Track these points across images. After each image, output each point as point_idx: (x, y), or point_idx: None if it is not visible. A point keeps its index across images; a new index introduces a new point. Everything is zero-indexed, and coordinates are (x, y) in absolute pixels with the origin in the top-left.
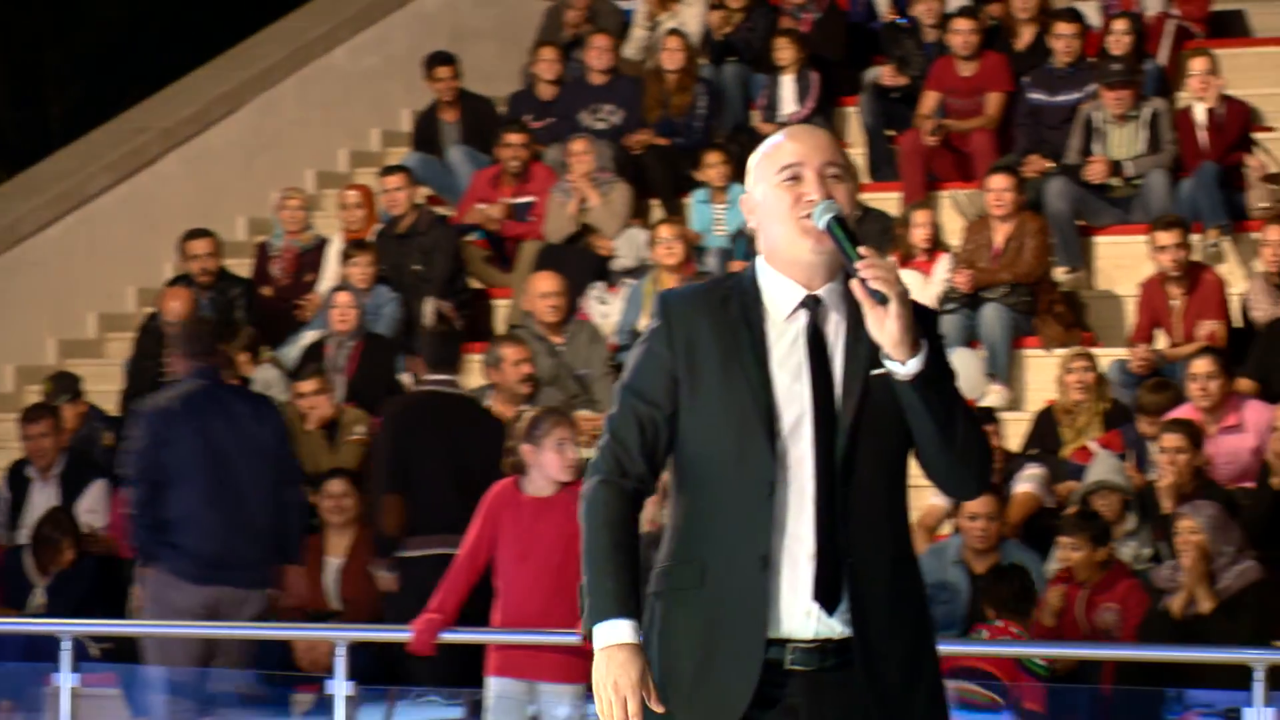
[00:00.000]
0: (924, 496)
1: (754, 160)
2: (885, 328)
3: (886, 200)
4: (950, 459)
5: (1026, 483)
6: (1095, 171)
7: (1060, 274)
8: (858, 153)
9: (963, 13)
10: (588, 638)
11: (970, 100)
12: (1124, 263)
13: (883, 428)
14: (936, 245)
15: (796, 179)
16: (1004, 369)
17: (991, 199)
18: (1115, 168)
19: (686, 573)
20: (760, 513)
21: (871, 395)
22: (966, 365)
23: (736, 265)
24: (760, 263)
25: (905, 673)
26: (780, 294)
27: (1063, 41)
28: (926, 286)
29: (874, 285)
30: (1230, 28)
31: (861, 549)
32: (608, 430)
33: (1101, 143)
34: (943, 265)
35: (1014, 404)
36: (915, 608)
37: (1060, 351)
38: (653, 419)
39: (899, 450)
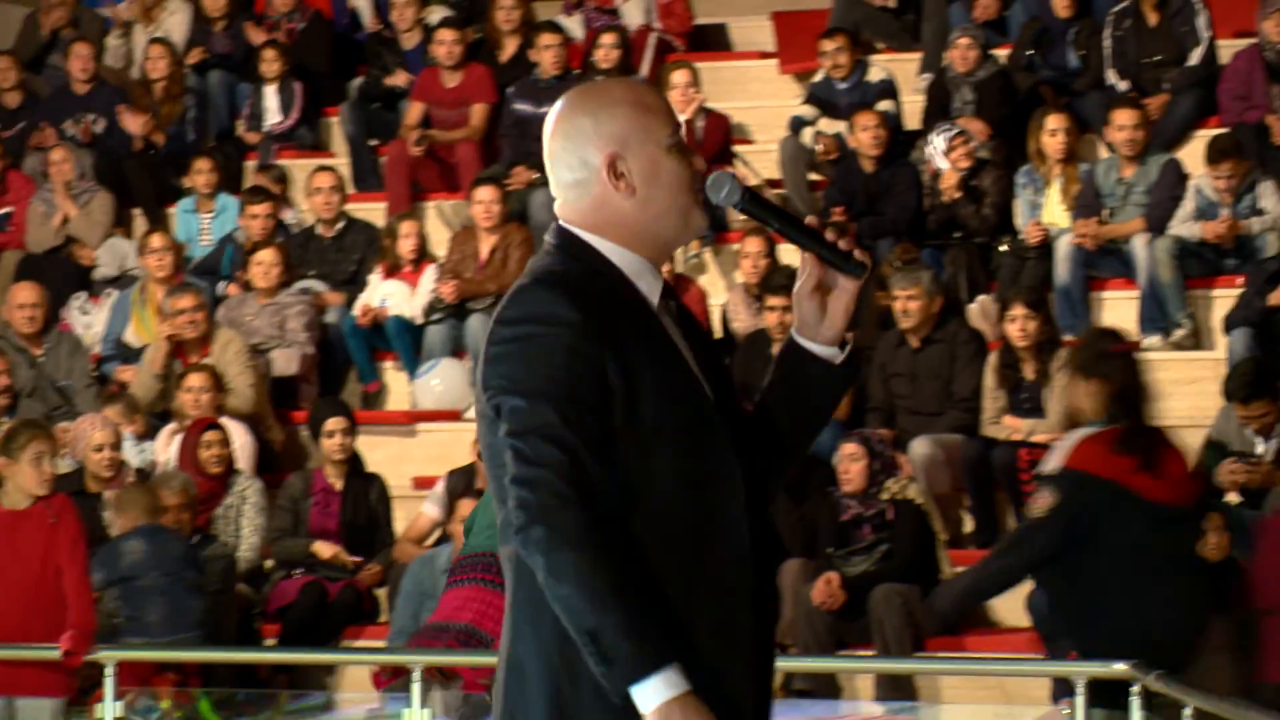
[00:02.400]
0: (413, 506)
1: (618, 113)
2: (841, 306)
3: (372, 210)
4: (807, 449)
5: None
6: None
7: None
8: (341, 163)
9: (446, 23)
10: (624, 695)
11: (455, 111)
12: None
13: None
14: (423, 256)
15: (685, 147)
16: None
17: (478, 210)
18: None
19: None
20: (738, 539)
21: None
22: (454, 375)
23: (235, 283)
24: (598, 241)
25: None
26: (644, 278)
27: (550, 53)
28: (413, 297)
29: (858, 256)
30: (712, 42)
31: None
32: (553, 445)
33: None
34: (429, 276)
35: None
36: None
37: None
38: (598, 435)
39: None
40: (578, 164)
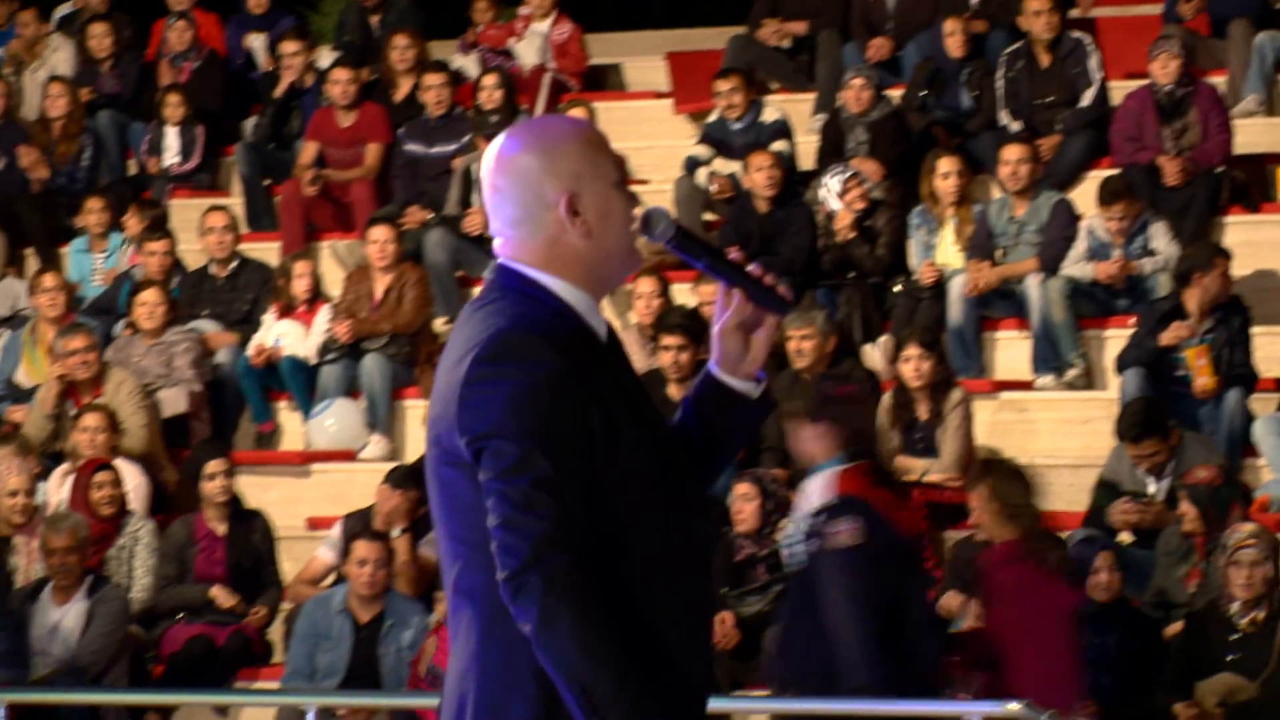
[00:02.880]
0: (308, 547)
1: (570, 150)
2: (763, 342)
3: (266, 250)
4: (714, 484)
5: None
6: (473, 223)
7: (440, 324)
8: (236, 203)
9: (339, 63)
10: None
11: (350, 151)
12: None
13: None
14: (317, 296)
15: (626, 185)
16: (384, 419)
17: (372, 250)
18: None
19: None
20: (708, 569)
21: None
22: (348, 415)
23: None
24: (551, 280)
25: None
26: (593, 317)
27: (432, 93)
28: (308, 337)
29: (783, 291)
30: (606, 82)
31: None
32: (544, 491)
33: (479, 194)
34: (323, 316)
35: (394, 454)
36: None
37: None
38: (586, 481)
39: None
40: (531, 201)
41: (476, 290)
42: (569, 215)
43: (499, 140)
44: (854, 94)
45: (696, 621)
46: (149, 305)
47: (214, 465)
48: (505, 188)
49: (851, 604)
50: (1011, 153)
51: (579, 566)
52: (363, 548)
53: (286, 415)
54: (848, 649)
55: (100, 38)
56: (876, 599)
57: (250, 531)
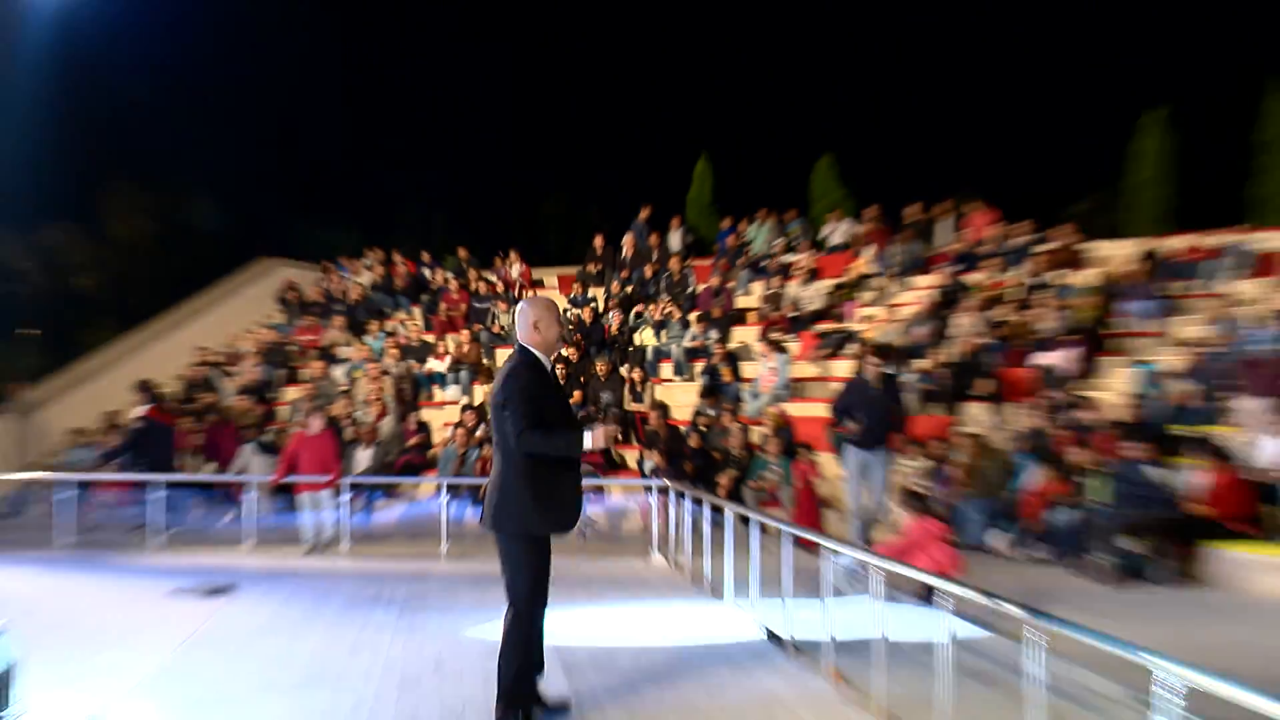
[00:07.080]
0: None
1: (537, 305)
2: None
3: None
4: None
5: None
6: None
7: None
8: None
9: None
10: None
11: None
12: None
13: None
14: None
15: (562, 320)
16: None
17: None
18: None
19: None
20: (580, 450)
21: None
22: None
23: None
24: (533, 349)
25: None
26: (548, 363)
27: None
28: None
29: None
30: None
31: None
32: (523, 414)
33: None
34: None
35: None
36: None
37: None
38: (539, 412)
39: None
40: (524, 322)
41: None
42: (533, 329)
43: (521, 303)
44: None
45: (578, 474)
46: None
47: None
48: (517, 316)
49: None
50: None
51: (536, 427)
52: None
53: None
54: None
55: None
56: None
57: None
